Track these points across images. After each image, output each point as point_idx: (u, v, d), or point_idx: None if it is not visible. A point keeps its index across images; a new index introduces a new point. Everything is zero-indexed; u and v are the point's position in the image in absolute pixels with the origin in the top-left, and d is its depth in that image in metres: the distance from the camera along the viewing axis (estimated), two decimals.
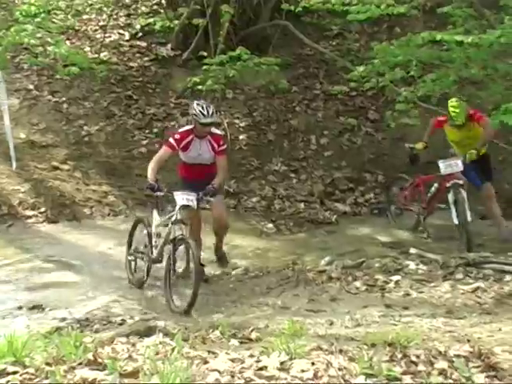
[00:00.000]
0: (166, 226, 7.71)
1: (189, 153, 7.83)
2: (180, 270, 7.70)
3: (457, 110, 9.00)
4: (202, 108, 7.70)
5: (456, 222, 8.70)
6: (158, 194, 7.69)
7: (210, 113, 7.72)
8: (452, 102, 9.09)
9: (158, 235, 7.72)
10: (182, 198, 7.47)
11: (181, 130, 8.06)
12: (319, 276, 8.45)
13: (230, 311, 7.60)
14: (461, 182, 8.59)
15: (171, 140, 7.82)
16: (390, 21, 13.18)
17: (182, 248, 7.60)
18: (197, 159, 7.84)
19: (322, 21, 13.50)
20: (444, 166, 8.60)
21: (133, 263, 8.08)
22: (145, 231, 7.99)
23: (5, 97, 11.87)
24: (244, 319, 6.80)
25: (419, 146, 9.06)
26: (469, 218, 8.62)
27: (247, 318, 6.99)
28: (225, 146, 8.24)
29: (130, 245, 8.25)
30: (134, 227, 8.36)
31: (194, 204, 7.51)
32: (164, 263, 7.65)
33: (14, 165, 11.71)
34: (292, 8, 12.18)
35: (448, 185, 8.78)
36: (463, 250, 8.53)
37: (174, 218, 7.51)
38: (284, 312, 7.14)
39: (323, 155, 12.48)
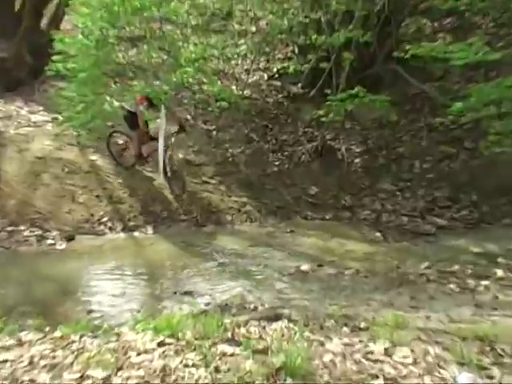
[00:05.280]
0: None
1: None
2: None
3: None
4: None
5: None
6: None
7: None
8: None
9: None
10: None
11: None
12: (419, 278, 8.27)
13: (343, 304, 7.31)
14: None
15: None
16: (486, 66, 12.28)
17: None
18: None
19: (427, 65, 12.73)
20: None
21: None
22: None
23: (164, 124, 11.84)
24: (354, 311, 6.68)
25: None
26: None
27: (357, 310, 6.83)
28: None
29: None
30: None
31: None
32: None
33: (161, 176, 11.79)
34: (402, 55, 11.44)
35: None
36: None
37: None
38: (388, 307, 6.96)
39: (425, 177, 12.22)
